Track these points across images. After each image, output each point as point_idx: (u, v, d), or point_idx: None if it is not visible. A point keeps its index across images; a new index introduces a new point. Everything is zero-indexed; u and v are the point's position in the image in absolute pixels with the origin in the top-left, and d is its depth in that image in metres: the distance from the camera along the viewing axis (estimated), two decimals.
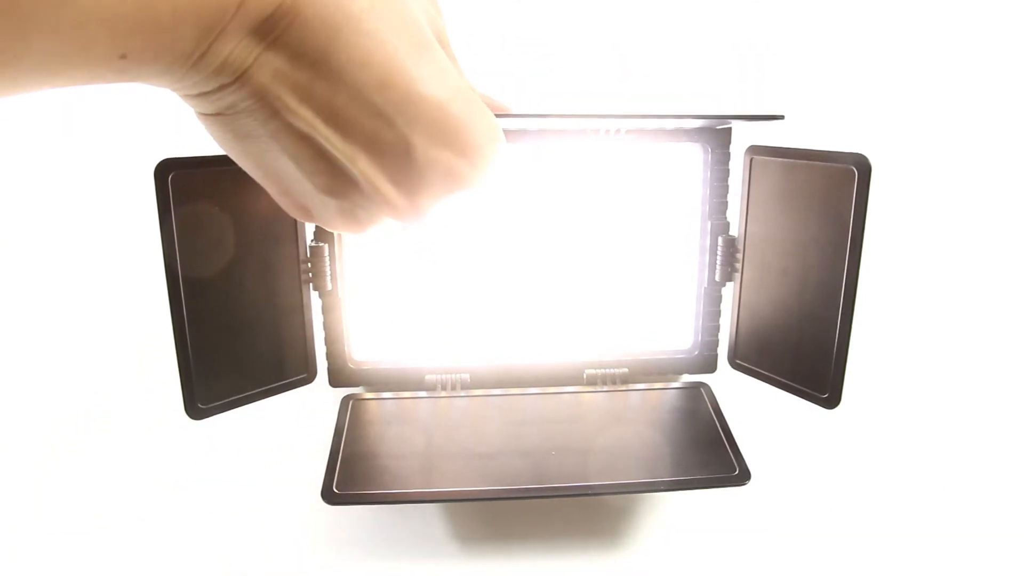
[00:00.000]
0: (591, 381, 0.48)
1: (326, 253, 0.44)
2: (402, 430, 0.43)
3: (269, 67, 0.24)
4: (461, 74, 0.28)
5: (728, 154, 0.45)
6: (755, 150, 0.44)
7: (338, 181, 0.27)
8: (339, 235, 0.45)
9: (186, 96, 0.25)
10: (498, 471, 0.39)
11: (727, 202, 0.46)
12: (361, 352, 0.48)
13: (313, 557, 0.40)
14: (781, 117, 0.40)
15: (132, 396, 0.51)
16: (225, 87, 0.24)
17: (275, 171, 0.28)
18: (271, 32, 0.23)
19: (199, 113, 0.27)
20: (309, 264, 0.44)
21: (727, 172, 0.46)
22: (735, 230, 0.46)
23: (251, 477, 0.45)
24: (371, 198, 0.27)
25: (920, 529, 0.42)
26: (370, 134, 0.25)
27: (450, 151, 0.26)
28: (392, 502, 0.40)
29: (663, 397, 0.47)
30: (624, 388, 0.48)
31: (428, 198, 0.28)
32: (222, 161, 0.39)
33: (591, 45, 0.65)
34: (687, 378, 0.50)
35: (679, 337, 0.49)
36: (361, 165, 0.26)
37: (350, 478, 0.39)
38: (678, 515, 0.42)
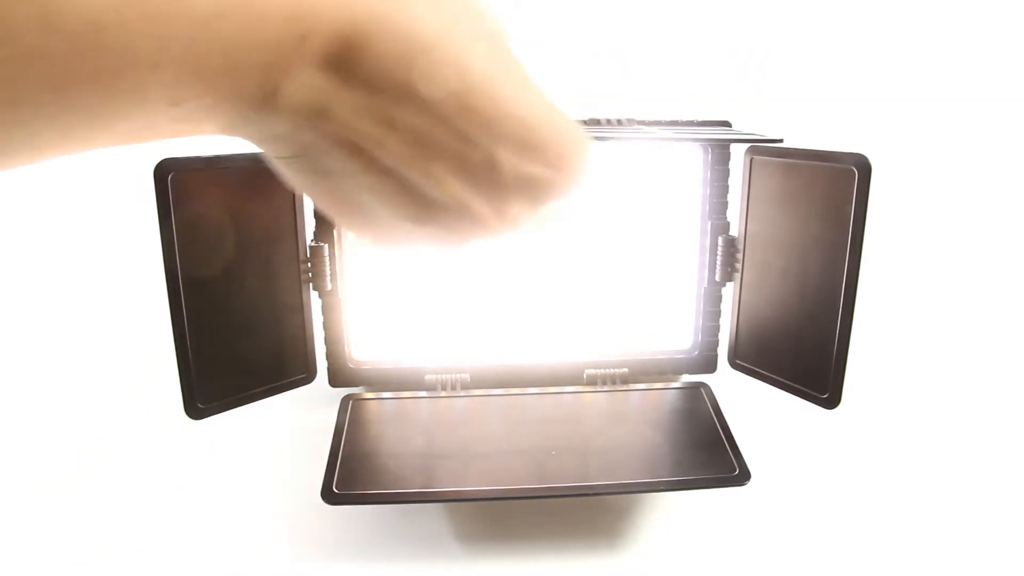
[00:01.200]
0: (591, 381, 0.48)
1: (326, 253, 0.44)
2: (402, 430, 0.43)
3: (346, 103, 0.23)
4: (537, 83, 0.27)
5: (728, 154, 0.45)
6: (755, 150, 0.44)
7: (425, 209, 0.26)
8: (339, 234, 0.45)
9: (261, 141, 0.25)
10: (498, 471, 0.39)
11: (727, 202, 0.46)
12: (361, 352, 0.48)
13: (313, 557, 0.40)
14: (780, 140, 0.40)
15: (132, 396, 0.51)
16: (301, 128, 0.24)
17: (357, 206, 0.27)
18: (343, 67, 0.22)
19: (276, 157, 0.26)
20: (309, 264, 0.44)
21: (727, 172, 0.46)
22: (735, 230, 0.46)
23: (251, 477, 0.45)
24: (461, 218, 0.26)
25: (920, 529, 0.42)
26: (456, 158, 0.25)
27: (539, 164, 0.26)
28: (392, 502, 0.40)
29: (663, 397, 0.47)
30: (624, 388, 0.48)
31: (520, 211, 0.27)
32: (222, 161, 0.39)
33: (590, 44, 0.65)
34: (687, 378, 0.50)
35: (679, 337, 0.49)
36: (449, 189, 0.25)
37: (350, 478, 0.38)
38: (678, 515, 0.42)
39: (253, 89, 0.21)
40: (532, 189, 0.26)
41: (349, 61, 0.22)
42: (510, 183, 0.26)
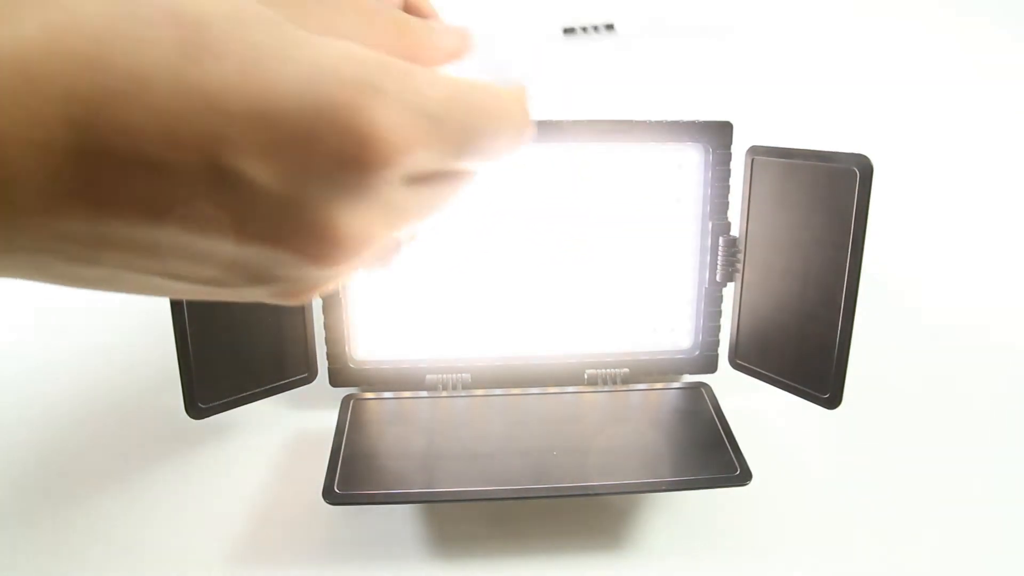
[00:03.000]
0: (592, 381, 0.48)
1: None
2: (403, 430, 0.43)
3: (29, 199, 0.17)
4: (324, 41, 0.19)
5: (729, 154, 0.45)
6: (756, 150, 0.44)
7: (242, 268, 0.20)
8: None
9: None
10: (499, 471, 0.39)
11: (728, 202, 0.46)
12: (362, 352, 0.48)
13: (313, 557, 0.40)
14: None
15: (132, 395, 0.51)
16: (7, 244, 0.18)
17: (187, 291, 0.21)
18: None
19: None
20: None
21: (728, 172, 0.46)
22: (736, 230, 0.46)
23: (251, 477, 0.45)
24: (285, 262, 0.20)
25: (921, 530, 0.42)
26: (218, 199, 0.18)
27: (315, 160, 0.18)
28: (393, 502, 0.40)
29: (664, 397, 0.47)
30: (625, 388, 0.48)
31: (352, 223, 0.20)
32: None
33: (590, 42, 0.65)
34: (688, 378, 0.50)
35: (680, 337, 0.49)
36: (238, 237, 0.19)
37: (351, 478, 0.38)
38: (678, 515, 0.42)
39: None
40: (338, 184, 0.19)
41: None
42: (279, 198, 0.19)
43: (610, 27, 0.41)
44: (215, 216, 0.19)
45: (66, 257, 0.19)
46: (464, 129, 0.21)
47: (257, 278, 0.21)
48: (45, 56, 0.16)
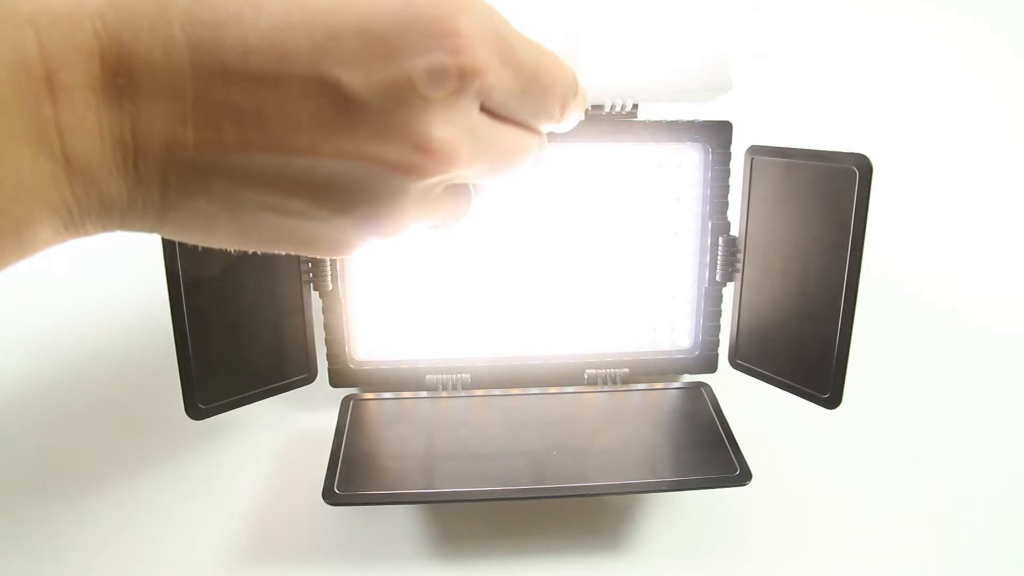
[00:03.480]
0: (592, 381, 0.48)
1: None
2: (403, 430, 0.43)
3: (153, 122, 0.19)
4: None
5: (729, 154, 0.45)
6: (756, 150, 0.44)
7: (333, 193, 0.22)
8: None
9: (121, 223, 0.21)
10: (499, 472, 0.39)
11: (728, 202, 0.46)
12: (362, 352, 0.48)
13: (313, 557, 0.40)
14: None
15: (133, 396, 0.51)
16: (136, 187, 0.20)
17: (276, 232, 0.23)
18: (122, 90, 0.19)
19: (151, 231, 0.22)
20: (310, 264, 0.44)
21: (728, 172, 0.46)
22: (736, 230, 0.46)
23: (251, 477, 0.45)
24: (377, 178, 0.21)
25: (921, 529, 0.42)
26: (317, 112, 0.20)
27: (430, 52, 0.20)
28: (393, 503, 0.40)
29: (664, 397, 0.47)
30: (624, 388, 0.48)
31: (444, 134, 0.22)
32: None
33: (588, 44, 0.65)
34: (688, 378, 0.50)
35: (679, 337, 0.49)
36: (336, 152, 0.21)
37: (351, 478, 0.38)
38: (678, 515, 0.42)
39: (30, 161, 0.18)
40: (430, 90, 0.20)
41: (122, 78, 0.19)
42: (417, 110, 0.21)
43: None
44: (316, 127, 0.20)
45: (178, 189, 0.21)
46: (533, 65, 0.23)
47: (347, 201, 0.22)
48: None
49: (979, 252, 0.64)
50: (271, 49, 0.19)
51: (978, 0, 0.66)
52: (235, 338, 0.42)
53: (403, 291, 0.47)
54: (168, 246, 0.38)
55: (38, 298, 0.59)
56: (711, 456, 0.40)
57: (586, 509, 0.42)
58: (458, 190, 0.26)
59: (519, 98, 0.24)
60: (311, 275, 0.44)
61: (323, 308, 0.46)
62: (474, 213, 0.28)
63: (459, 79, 0.21)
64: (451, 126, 0.22)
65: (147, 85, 0.19)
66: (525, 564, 0.39)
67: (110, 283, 0.58)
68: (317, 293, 0.45)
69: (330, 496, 0.37)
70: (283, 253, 0.24)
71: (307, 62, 0.19)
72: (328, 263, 0.44)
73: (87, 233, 0.21)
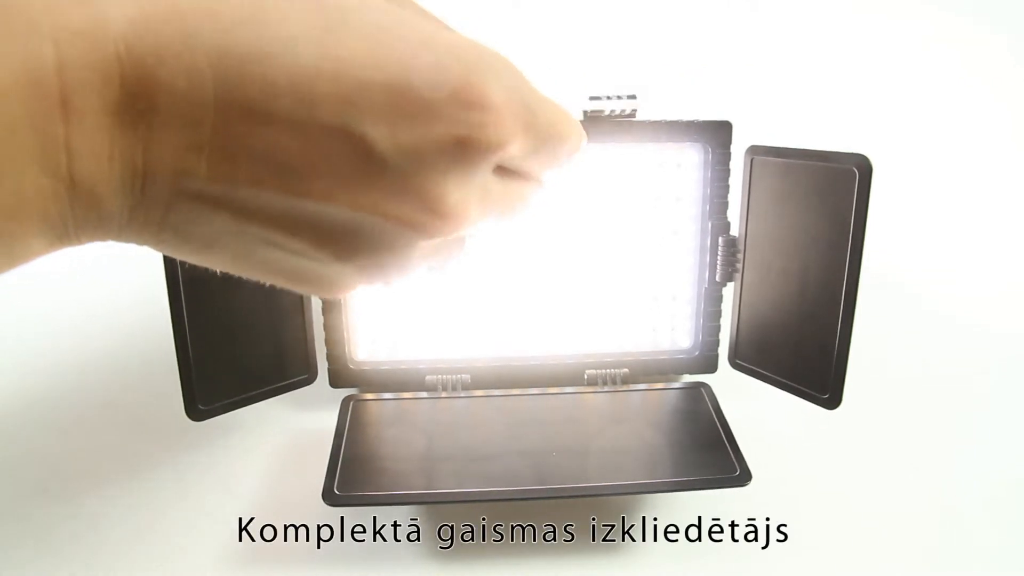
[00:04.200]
0: (592, 381, 0.48)
1: None
2: (403, 431, 0.43)
3: (166, 150, 0.19)
4: (424, 21, 0.22)
5: (729, 154, 0.45)
6: (756, 150, 0.44)
7: (339, 240, 0.22)
8: None
9: (117, 236, 0.21)
10: (499, 472, 0.39)
11: (728, 202, 0.46)
12: (362, 353, 0.48)
13: (313, 557, 0.40)
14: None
15: (133, 397, 0.51)
16: (138, 207, 0.20)
17: (272, 265, 0.23)
18: (139, 115, 0.19)
19: (144, 245, 0.22)
20: None
21: (728, 172, 0.46)
22: (736, 230, 0.46)
23: (251, 477, 0.45)
24: (387, 233, 0.22)
25: (921, 529, 0.42)
26: (337, 162, 0.20)
27: (439, 122, 0.20)
28: (393, 503, 0.40)
29: (663, 397, 0.47)
30: (624, 388, 0.48)
31: (455, 194, 0.22)
32: None
33: (588, 43, 0.65)
34: (687, 378, 0.50)
35: (679, 337, 0.49)
36: (349, 202, 0.21)
37: (351, 479, 0.38)
38: (678, 516, 0.42)
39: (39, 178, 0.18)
40: (453, 158, 0.21)
41: (140, 105, 0.19)
42: (431, 161, 0.21)
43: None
44: (334, 176, 0.20)
45: (181, 213, 0.21)
46: (549, 125, 0.24)
47: (351, 249, 0.22)
48: (205, 16, 0.19)
49: (979, 252, 0.64)
50: (298, 93, 0.19)
51: (978, 1, 0.66)
52: (235, 339, 0.42)
53: (403, 292, 0.47)
54: None
55: (38, 300, 0.59)
56: (711, 456, 0.40)
57: (586, 509, 0.42)
58: (457, 237, 0.26)
59: (532, 157, 0.24)
60: None
61: (323, 309, 0.46)
62: (468, 252, 0.28)
63: (484, 152, 0.21)
64: (466, 190, 0.22)
65: (167, 112, 0.19)
66: (525, 564, 0.39)
67: (110, 284, 0.58)
68: None
69: (330, 497, 0.37)
70: (277, 286, 0.24)
71: (334, 112, 0.19)
72: None
73: (80, 243, 0.21)
